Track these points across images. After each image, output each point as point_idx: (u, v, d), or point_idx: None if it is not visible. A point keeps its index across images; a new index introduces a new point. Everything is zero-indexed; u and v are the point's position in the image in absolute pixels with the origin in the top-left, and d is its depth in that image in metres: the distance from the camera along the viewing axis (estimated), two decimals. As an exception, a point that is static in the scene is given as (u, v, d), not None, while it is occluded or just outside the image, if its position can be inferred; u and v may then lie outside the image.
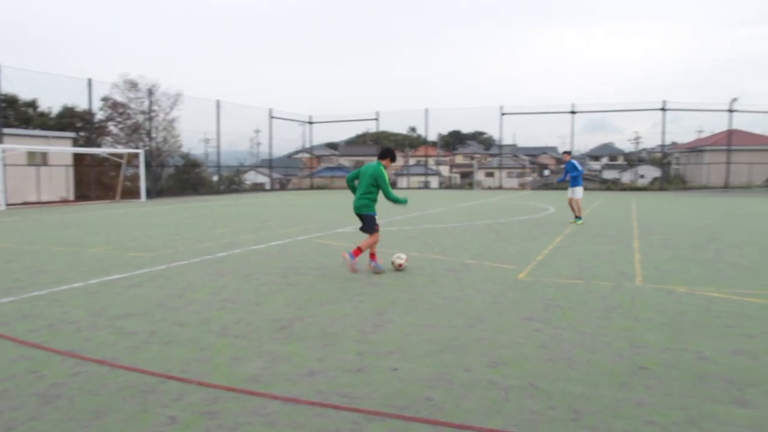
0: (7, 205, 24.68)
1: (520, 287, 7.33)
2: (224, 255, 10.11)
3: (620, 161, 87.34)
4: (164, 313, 6.08)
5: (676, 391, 3.90)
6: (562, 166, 16.91)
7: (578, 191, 16.07)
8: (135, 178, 34.26)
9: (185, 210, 22.38)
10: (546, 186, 49.80)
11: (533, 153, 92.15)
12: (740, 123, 50.63)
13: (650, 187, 46.25)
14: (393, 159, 8.80)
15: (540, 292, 7.01)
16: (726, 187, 42.17)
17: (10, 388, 4.00)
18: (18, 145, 27.51)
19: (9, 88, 29.79)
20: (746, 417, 3.51)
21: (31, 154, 29.57)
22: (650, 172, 63.75)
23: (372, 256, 8.65)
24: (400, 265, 8.50)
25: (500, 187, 48.73)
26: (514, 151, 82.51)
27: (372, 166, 8.60)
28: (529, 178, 67.78)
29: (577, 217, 15.96)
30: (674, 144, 65.03)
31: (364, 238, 8.82)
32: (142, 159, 31.17)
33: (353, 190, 8.81)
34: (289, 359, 4.57)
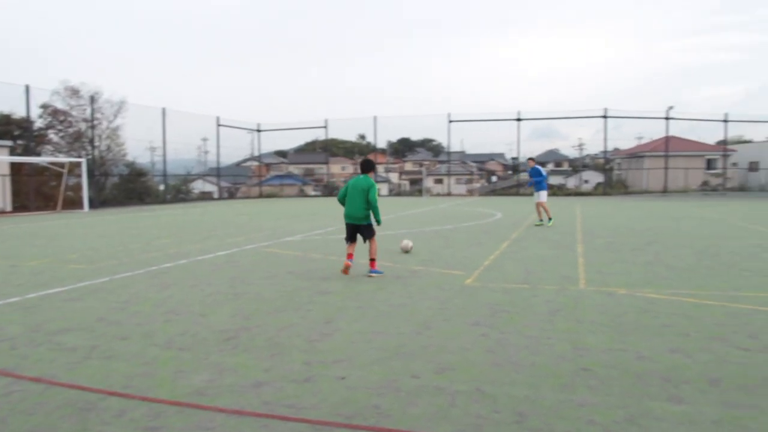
0: (-61, 217, 23.61)
1: (468, 293, 7.42)
2: (170, 266, 9.91)
3: (565, 167, 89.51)
4: (106, 327, 5.92)
5: (616, 391, 4.02)
6: (527, 171, 17.69)
7: (543, 195, 16.97)
8: (77, 187, 33.23)
9: (130, 220, 21.85)
10: (494, 192, 50.63)
11: (481, 159, 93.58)
12: (676, 130, 52.44)
13: (594, 192, 47.57)
14: (375, 171, 8.94)
15: (487, 298, 7.11)
16: (665, 191, 43.71)
17: (-60, 410, 3.83)
18: (-50, 154, 26.36)
19: (-60, 96, 28.57)
20: (680, 413, 3.64)
21: (-36, 164, 28.38)
22: (594, 178, 65.51)
23: (350, 256, 8.94)
24: (408, 249, 11.26)
25: (449, 194, 49.23)
26: (463, 157, 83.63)
27: (364, 179, 8.96)
28: (477, 185, 68.78)
29: (549, 219, 17.01)
30: (616, 150, 66.96)
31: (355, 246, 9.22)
32: (84, 168, 30.28)
33: (344, 204, 9.12)
34: (236, 371, 4.51)
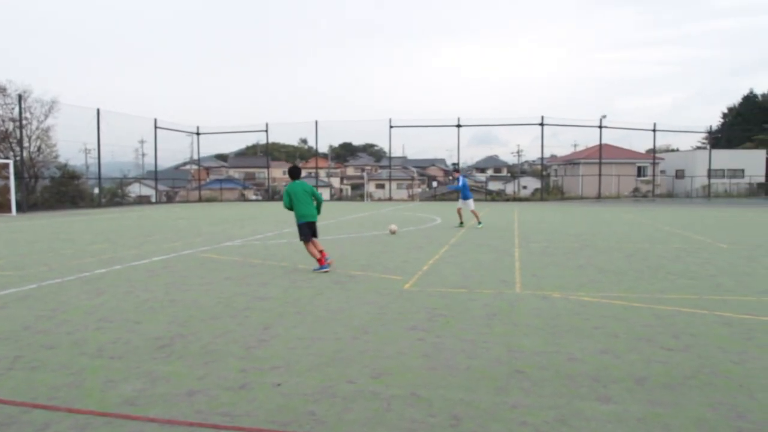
0: None
1: (406, 297, 7.47)
2: (103, 272, 9.61)
3: (504, 173, 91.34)
4: (32, 336, 5.69)
5: (548, 392, 4.12)
6: (456, 180, 19.46)
7: (470, 203, 19.03)
8: (4, 190, 31.81)
9: (62, 224, 21.07)
10: (434, 197, 51.16)
11: (422, 165, 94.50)
12: (609, 138, 54.31)
13: (532, 197, 48.76)
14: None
15: (424, 302, 7.18)
16: (599, 197, 45.15)
17: None
18: None
19: None
20: (608, 412, 3.77)
21: None
22: (532, 184, 67.14)
23: (322, 253, 9.81)
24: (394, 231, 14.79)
25: (390, 199, 49.47)
26: (404, 163, 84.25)
27: (303, 183, 10.07)
28: (418, 190, 69.34)
29: (460, 223, 19.21)
30: (553, 157, 68.87)
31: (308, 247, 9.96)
32: (11, 170, 29.04)
33: (291, 208, 10.04)
34: (168, 379, 4.41)
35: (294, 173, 10.17)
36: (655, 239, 14.71)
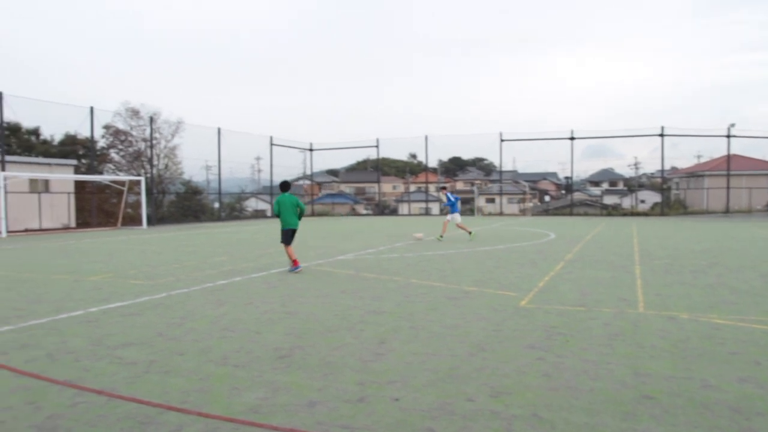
0: (8, 232, 24.70)
1: (522, 314, 7.28)
2: (225, 283, 10.08)
3: (620, 186, 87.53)
4: (164, 342, 6.04)
5: (682, 421, 3.85)
6: (446, 195, 20.79)
7: (457, 216, 19.90)
8: (136, 205, 34.34)
9: (186, 237, 22.37)
10: (547, 212, 49.85)
11: (534, 179, 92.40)
12: (738, 148, 50.61)
13: (651, 212, 46.33)
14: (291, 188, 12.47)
15: (542, 320, 6.97)
16: (727, 211, 42.20)
17: (7, 420, 3.97)
18: (20, 172, 27.61)
19: (12, 116, 30.01)
20: (753, 447, 3.46)
21: (33, 182, 29.66)
22: (650, 198, 63.84)
23: (296, 262, 11.73)
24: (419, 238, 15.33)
25: (501, 213, 48.76)
26: (515, 176, 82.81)
27: (291, 196, 12.01)
28: (530, 204, 67.90)
29: (469, 232, 20.20)
30: (674, 169, 65.23)
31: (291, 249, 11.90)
32: (143, 186, 31.25)
33: (278, 215, 11.98)
34: (289, 389, 4.53)
35: (284, 187, 12.18)
36: (795, 257, 13.51)
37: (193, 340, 6.10)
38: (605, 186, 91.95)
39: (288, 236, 11.83)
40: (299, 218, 12.02)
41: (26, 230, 28.08)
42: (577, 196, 63.14)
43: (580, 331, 6.39)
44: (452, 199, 20.20)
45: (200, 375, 4.92)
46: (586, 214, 45.56)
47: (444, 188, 21.68)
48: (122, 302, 8.32)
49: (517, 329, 6.49)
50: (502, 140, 44.43)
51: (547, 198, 70.38)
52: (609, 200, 65.11)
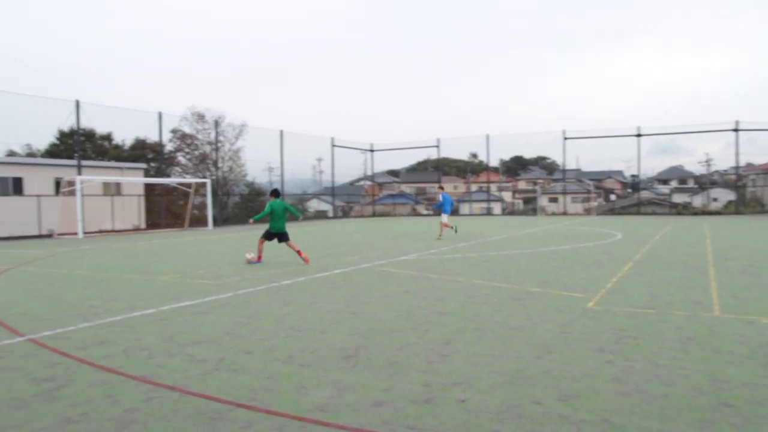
0: (85, 233, 25.80)
1: (589, 316, 7.11)
2: (289, 283, 10.24)
3: (691, 184, 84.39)
4: (231, 340, 6.18)
5: (765, 431, 3.67)
6: (440, 195, 21.76)
7: (444, 217, 21.01)
8: (202, 206, 35.33)
9: (250, 237, 22.85)
10: (612, 211, 48.55)
11: (598, 177, 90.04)
12: (820, 143, 47.92)
13: (724, 210, 44.47)
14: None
15: (610, 322, 6.78)
16: (807, 210, 40.08)
17: (89, 412, 4.14)
18: (95, 176, 28.84)
19: (87, 123, 31.33)
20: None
21: (106, 185, 30.93)
22: (724, 195, 61.24)
23: (260, 256, 13.66)
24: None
25: (564, 213, 47.81)
26: (578, 175, 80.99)
27: (282, 202, 13.63)
28: (594, 203, 66.29)
29: (440, 235, 21.11)
30: (749, 165, 62.38)
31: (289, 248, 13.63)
32: (209, 188, 32.12)
33: (264, 217, 13.64)
34: (355, 389, 4.55)
35: (275, 194, 13.87)
36: None
37: (259, 339, 6.21)
38: (674, 184, 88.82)
39: (271, 236, 13.49)
40: (295, 214, 14.13)
41: (100, 231, 29.29)
42: (645, 194, 61.21)
43: (650, 334, 6.19)
44: (441, 200, 21.40)
45: (267, 373, 5.00)
46: (653, 213, 44.15)
47: (441, 188, 22.40)
48: (191, 301, 8.56)
49: (584, 331, 6.34)
50: (565, 138, 43.59)
51: (612, 197, 68.51)
52: (678, 199, 62.88)
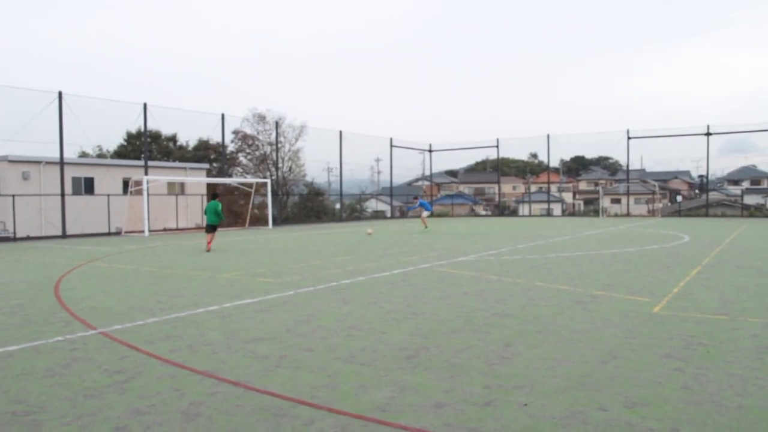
0: (150, 231, 26.67)
1: (656, 321, 6.89)
2: (348, 282, 10.31)
3: (764, 185, 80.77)
4: (293, 338, 6.27)
5: None
6: (418, 201, 28.79)
7: (425, 213, 27.91)
8: (263, 206, 36.00)
9: (309, 237, 23.14)
10: (678, 213, 46.95)
11: (663, 178, 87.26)
12: None
13: (801, 213, 42.34)
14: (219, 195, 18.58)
15: (678, 328, 6.55)
16: None
17: (157, 404, 4.27)
18: (160, 176, 29.77)
19: (153, 125, 32.37)
20: None
21: (170, 185, 31.89)
22: (800, 197, 58.37)
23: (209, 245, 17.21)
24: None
25: (628, 214, 46.52)
26: (642, 176, 78.73)
27: (214, 203, 17.61)
28: (659, 205, 64.26)
29: (426, 227, 27.19)
30: (827, 166, 59.22)
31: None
32: (269, 188, 32.69)
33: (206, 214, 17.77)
34: (416, 389, 4.54)
35: (213, 196, 18.04)
36: None
37: (320, 337, 6.28)
38: (746, 185, 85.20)
39: (208, 228, 17.44)
40: (218, 218, 17.53)
41: (164, 229, 30.23)
42: (713, 195, 58.99)
43: (723, 341, 5.95)
44: (417, 204, 28.27)
45: (328, 371, 5.05)
46: (723, 215, 42.45)
47: (416, 198, 30.09)
48: (253, 299, 8.73)
49: (651, 337, 6.14)
50: (629, 138, 42.41)
51: (678, 198, 66.24)
52: (750, 200, 60.28)
